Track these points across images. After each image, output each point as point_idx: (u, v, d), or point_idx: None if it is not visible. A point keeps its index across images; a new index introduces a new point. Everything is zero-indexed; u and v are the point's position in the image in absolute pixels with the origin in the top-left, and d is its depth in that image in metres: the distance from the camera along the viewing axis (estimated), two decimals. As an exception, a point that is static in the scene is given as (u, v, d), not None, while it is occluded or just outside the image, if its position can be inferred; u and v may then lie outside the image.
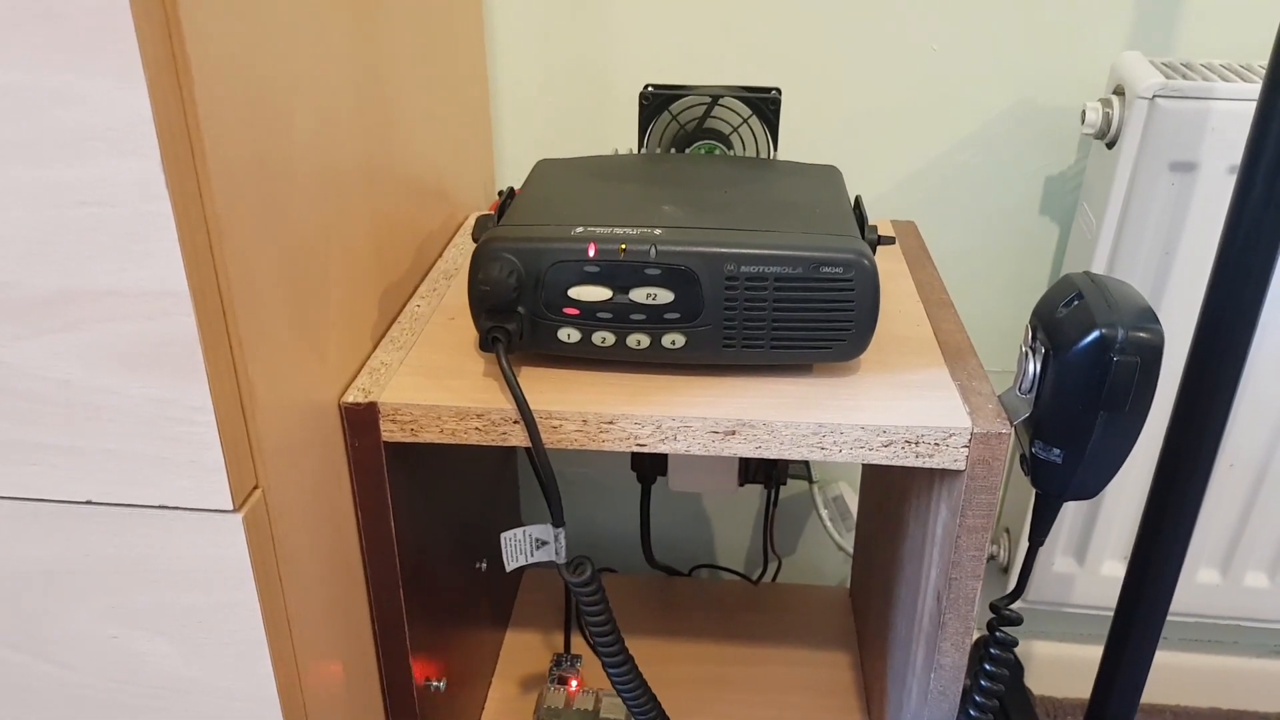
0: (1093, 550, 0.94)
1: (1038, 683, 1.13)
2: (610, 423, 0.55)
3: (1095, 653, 0.81)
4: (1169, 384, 0.70)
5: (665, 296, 0.55)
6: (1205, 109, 0.76)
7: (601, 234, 0.55)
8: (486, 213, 0.60)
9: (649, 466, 0.89)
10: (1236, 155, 0.76)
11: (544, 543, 0.60)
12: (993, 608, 0.62)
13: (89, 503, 0.46)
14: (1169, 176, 0.78)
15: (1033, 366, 0.54)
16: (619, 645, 0.62)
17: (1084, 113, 0.80)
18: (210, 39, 0.40)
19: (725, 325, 0.56)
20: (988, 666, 0.62)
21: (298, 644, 0.51)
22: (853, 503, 1.01)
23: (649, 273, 0.55)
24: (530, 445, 0.55)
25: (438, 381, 0.57)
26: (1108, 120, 0.79)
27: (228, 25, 0.41)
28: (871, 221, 0.87)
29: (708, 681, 0.88)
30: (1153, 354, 0.50)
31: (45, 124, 0.38)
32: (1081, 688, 1.12)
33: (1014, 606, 0.62)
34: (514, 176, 0.93)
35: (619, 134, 0.91)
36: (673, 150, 0.75)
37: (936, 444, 0.54)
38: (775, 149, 0.73)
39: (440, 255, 0.75)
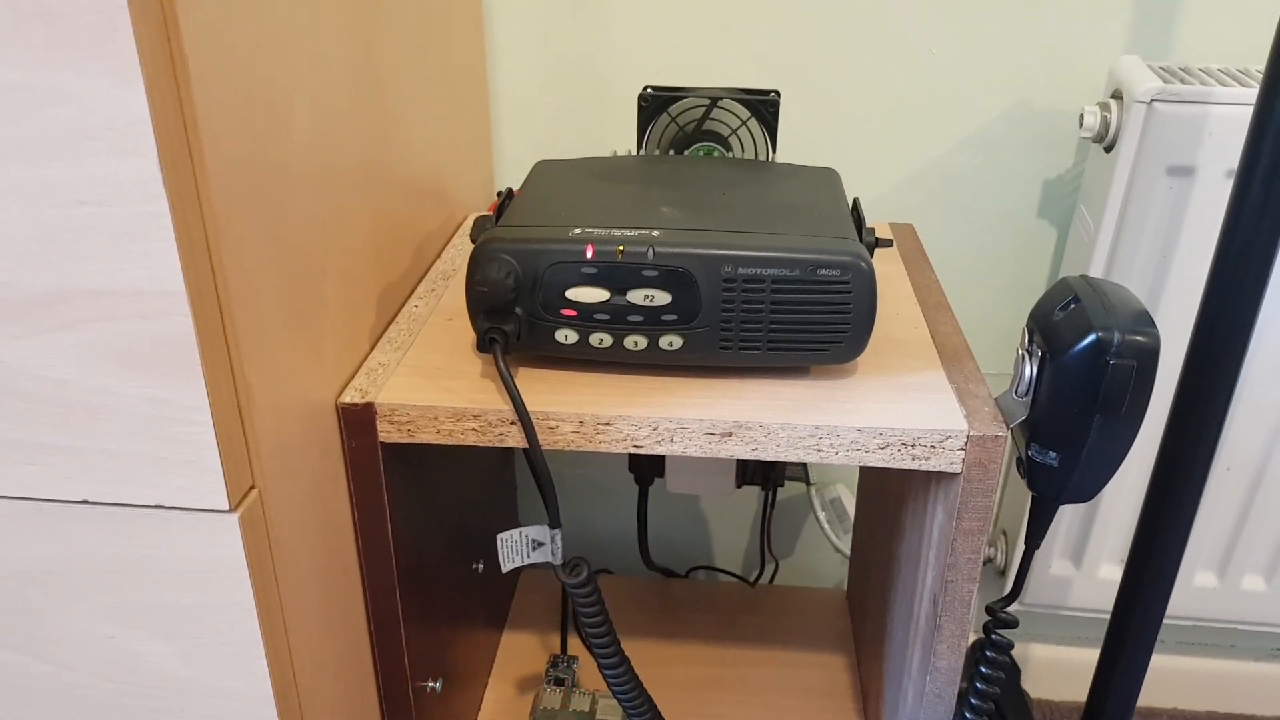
0: (1090, 553, 0.94)
1: (1035, 686, 1.13)
2: (607, 424, 0.55)
3: (1092, 656, 0.81)
4: (1166, 387, 0.70)
5: (663, 298, 0.55)
6: (1203, 113, 0.76)
7: (599, 235, 0.55)
8: (485, 213, 0.60)
9: (647, 468, 0.89)
10: (1234, 159, 0.76)
11: (540, 544, 0.60)
12: (989, 610, 0.62)
13: (86, 502, 0.46)
14: (1166, 180, 0.78)
15: (1029, 369, 0.54)
16: (615, 647, 0.62)
17: (1082, 116, 0.80)
18: (208, 38, 0.40)
19: (722, 327, 0.56)
20: (983, 669, 0.62)
21: (294, 644, 0.51)
22: (850, 505, 1.01)
23: (646, 274, 0.55)
24: (527, 446, 0.55)
25: (435, 382, 0.57)
26: (1106, 124, 0.79)
27: (226, 25, 0.41)
28: (869, 224, 0.87)
29: (704, 683, 0.88)
30: (1148, 357, 0.50)
31: (43, 123, 0.38)
32: (1079, 691, 1.12)
33: (1011, 609, 0.62)
34: (513, 177, 0.94)
35: (618, 135, 0.91)
36: (671, 152, 0.75)
37: (933, 446, 0.54)
38: (774, 151, 0.74)
39: (439, 256, 0.75)
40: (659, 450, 0.55)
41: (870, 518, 0.86)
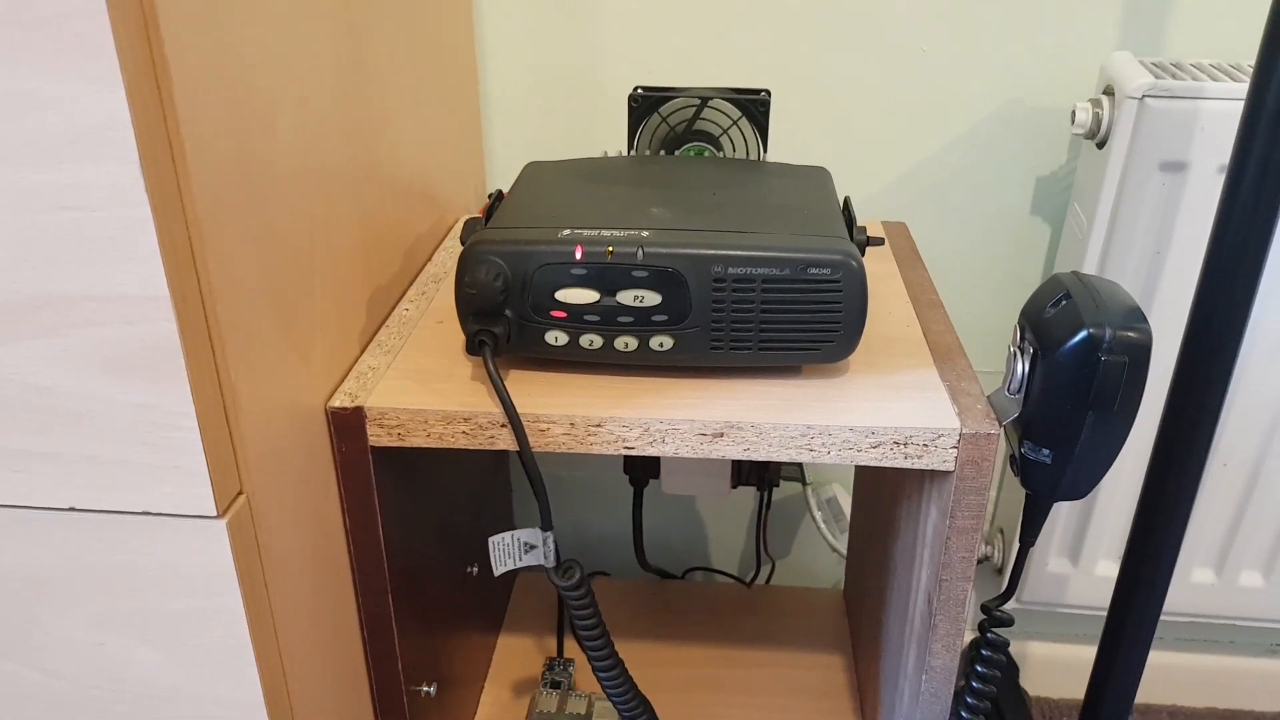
0: (1087, 550, 0.94)
1: (1033, 684, 1.12)
2: (598, 425, 0.55)
3: (1090, 653, 0.81)
4: (1161, 384, 0.70)
5: (653, 299, 0.55)
6: (1195, 109, 0.76)
7: (589, 236, 0.55)
8: (475, 216, 0.60)
9: (642, 469, 0.89)
10: (1226, 154, 0.76)
11: (532, 546, 0.59)
12: (984, 609, 0.62)
13: (73, 509, 0.46)
14: (1159, 176, 0.78)
15: (1021, 366, 0.54)
16: (609, 649, 0.62)
17: (1074, 113, 0.80)
18: (190, 41, 0.40)
19: (713, 327, 0.56)
20: (979, 668, 0.62)
21: (284, 650, 0.51)
22: (846, 504, 1.00)
23: (636, 275, 0.55)
24: (518, 449, 0.54)
25: (425, 385, 0.57)
26: (1098, 120, 0.79)
27: (208, 27, 0.41)
28: (861, 222, 0.86)
29: (701, 684, 0.87)
30: (1141, 353, 0.50)
31: (23, 128, 0.38)
32: (1077, 688, 1.12)
33: (1008, 607, 0.62)
34: (505, 179, 0.93)
35: (609, 136, 0.91)
36: (662, 152, 0.74)
37: (925, 445, 0.54)
38: (765, 151, 0.73)
39: (430, 259, 0.74)
40: (650, 451, 0.55)
41: (866, 517, 0.86)
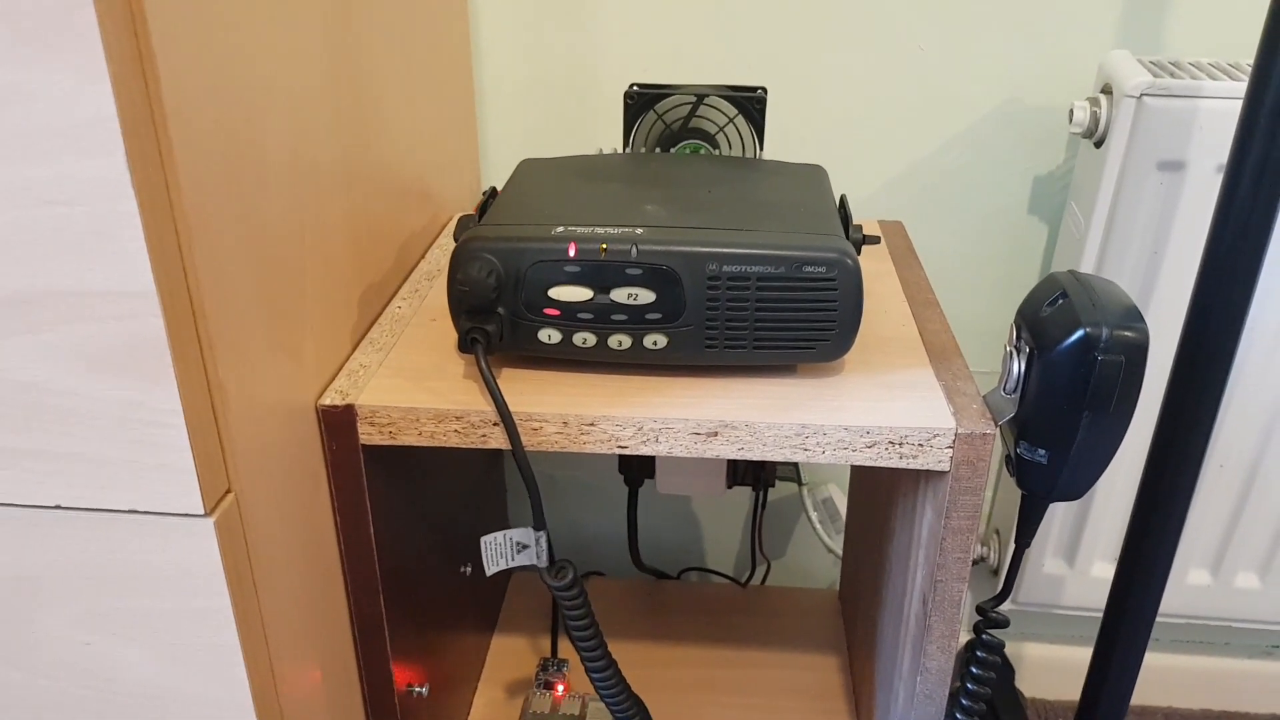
0: (1083, 552, 0.94)
1: (1029, 685, 1.12)
2: (591, 424, 0.54)
3: (1086, 654, 0.80)
4: (1158, 384, 0.69)
5: (647, 296, 0.55)
6: (1193, 107, 0.75)
7: (582, 233, 0.55)
8: (469, 213, 0.59)
9: (637, 469, 0.88)
10: (1224, 154, 0.75)
11: (525, 546, 0.59)
12: (979, 610, 0.61)
13: (59, 507, 0.45)
14: (1157, 175, 0.78)
15: (1017, 366, 0.53)
16: (602, 650, 0.61)
17: (1072, 112, 0.80)
18: (177, 34, 0.39)
19: (708, 325, 0.55)
20: (975, 669, 0.61)
21: (274, 650, 0.51)
22: (842, 505, 1.00)
23: (630, 272, 0.54)
24: (510, 448, 0.54)
25: (417, 383, 0.57)
26: (1095, 119, 0.79)
27: (196, 19, 0.41)
28: (858, 221, 0.86)
29: (696, 685, 0.87)
30: (1137, 353, 0.50)
31: (7, 122, 0.37)
32: (1073, 689, 1.11)
33: (1004, 609, 0.61)
34: (500, 177, 0.93)
35: (605, 133, 0.90)
36: (658, 150, 0.74)
37: (920, 445, 0.53)
38: (761, 148, 0.73)
39: (423, 256, 0.74)
40: (644, 451, 0.55)
41: (861, 517, 0.85)
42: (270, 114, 0.48)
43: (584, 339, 0.56)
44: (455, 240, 0.56)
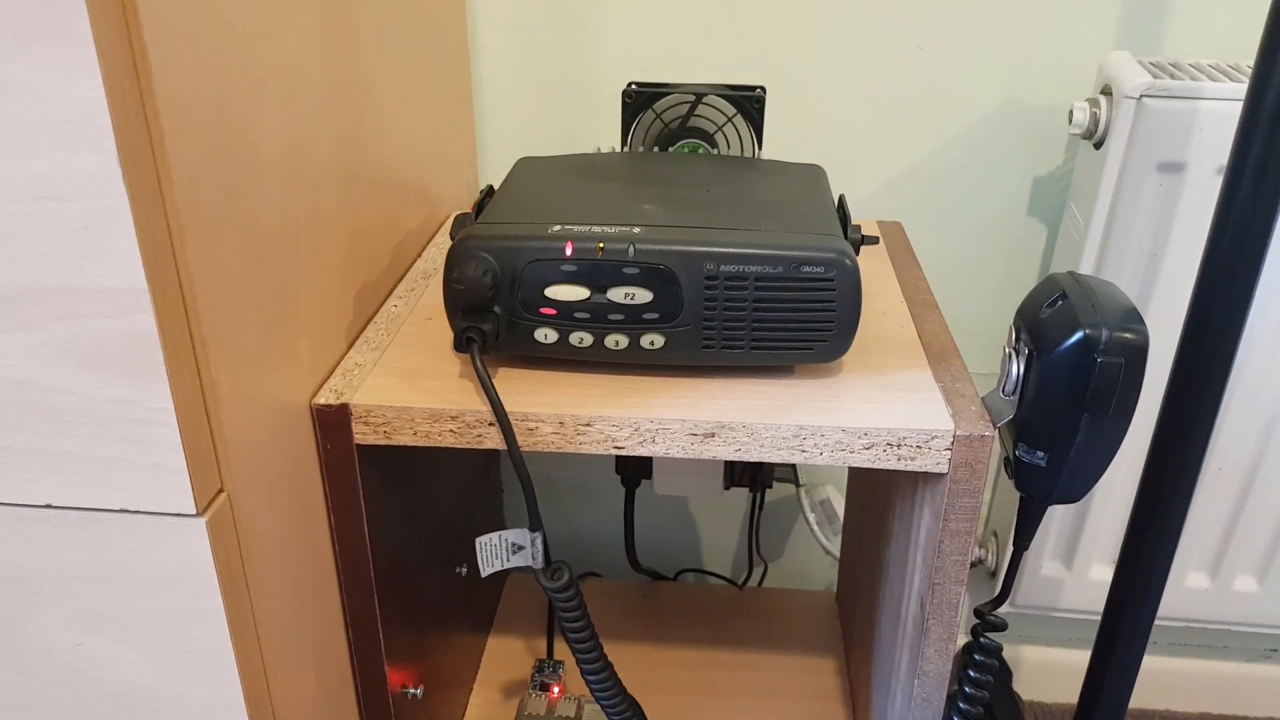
0: (1081, 554, 0.93)
1: (1026, 688, 1.12)
2: (588, 425, 0.54)
3: (1084, 657, 0.80)
4: (1157, 386, 0.69)
5: (644, 296, 0.54)
6: (1193, 109, 0.75)
7: (579, 232, 0.54)
8: (465, 211, 0.59)
9: (634, 469, 0.88)
10: (1224, 155, 0.75)
11: (521, 547, 0.59)
12: (977, 613, 0.61)
13: (49, 506, 0.45)
14: (1157, 177, 0.78)
15: (1016, 368, 0.53)
16: (597, 652, 0.61)
17: (1071, 113, 0.79)
18: (170, 27, 0.39)
19: (705, 326, 0.55)
20: (972, 673, 0.61)
21: (266, 651, 0.50)
22: (839, 506, 1.00)
23: (627, 272, 0.54)
24: (506, 448, 0.54)
25: (412, 383, 0.56)
26: (1095, 120, 0.78)
27: (189, 12, 0.40)
28: (856, 221, 0.86)
29: (692, 687, 0.87)
30: (1137, 355, 0.49)
31: (-3, 116, 0.37)
32: (1070, 692, 1.11)
33: (1002, 611, 0.61)
34: (498, 175, 0.92)
35: (603, 132, 0.90)
36: (656, 149, 0.74)
37: (919, 446, 0.53)
38: (760, 148, 0.73)
39: (420, 254, 0.74)
40: (640, 451, 0.54)
41: (859, 519, 0.85)
42: (265, 109, 0.47)
43: (581, 338, 0.56)
44: (452, 238, 0.56)
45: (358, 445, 0.55)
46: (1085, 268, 0.82)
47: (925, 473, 0.57)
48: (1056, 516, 0.93)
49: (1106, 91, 0.78)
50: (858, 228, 0.59)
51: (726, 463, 0.81)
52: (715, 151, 0.73)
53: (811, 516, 1.00)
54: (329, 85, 0.55)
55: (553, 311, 0.55)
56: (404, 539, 0.65)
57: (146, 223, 0.39)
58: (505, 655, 0.90)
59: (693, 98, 0.72)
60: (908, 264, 0.73)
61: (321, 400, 0.54)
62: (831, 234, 0.55)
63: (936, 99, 0.87)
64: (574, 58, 0.88)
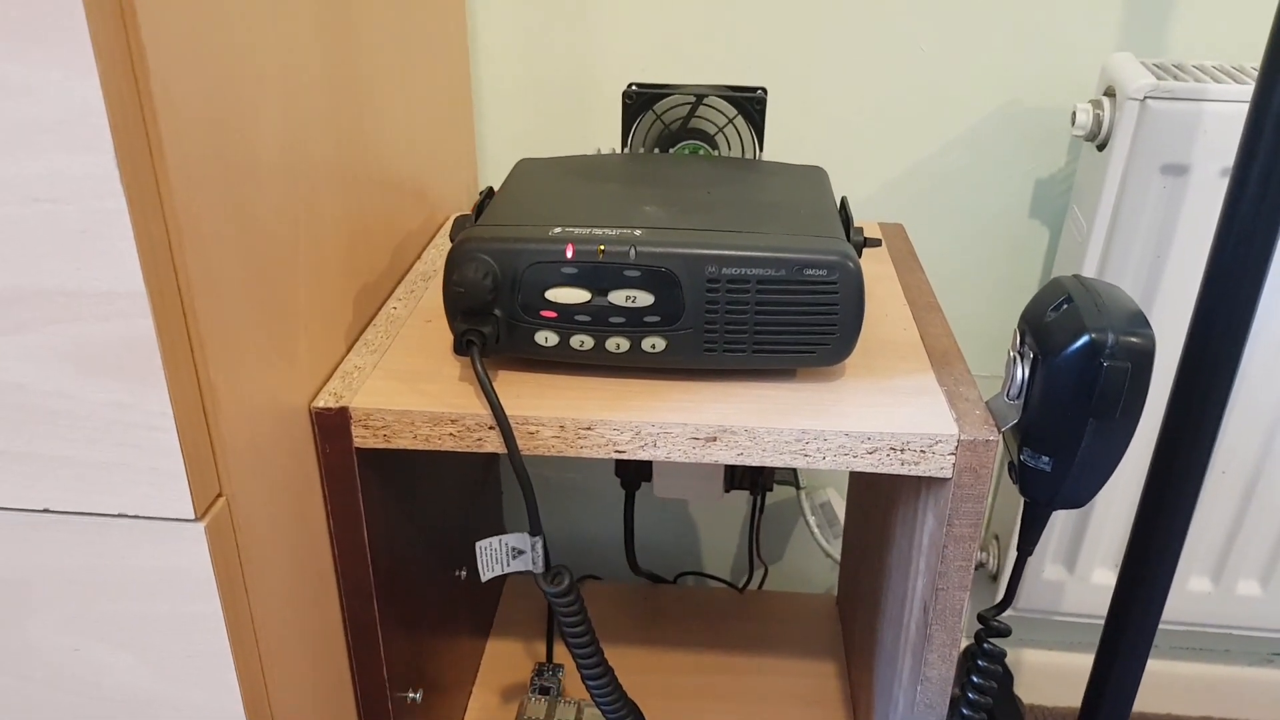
0: (1083, 558, 0.93)
1: (1028, 692, 1.11)
2: (588, 428, 0.53)
3: (1086, 661, 0.80)
4: (1161, 390, 0.69)
5: (645, 299, 0.54)
6: (1197, 111, 0.75)
7: (580, 235, 0.54)
8: (465, 213, 0.59)
9: (633, 472, 0.87)
10: (1229, 158, 0.75)
11: (521, 551, 0.58)
12: (980, 619, 0.60)
13: (47, 511, 0.44)
14: (1160, 179, 0.77)
15: (1021, 372, 0.53)
16: (598, 656, 0.60)
17: (1074, 114, 0.79)
18: (168, 27, 0.38)
19: (706, 329, 0.54)
20: (975, 679, 0.61)
21: (265, 655, 0.50)
22: (840, 510, 0.99)
23: (628, 274, 0.53)
24: (506, 452, 0.53)
25: (412, 386, 0.56)
26: (1098, 122, 0.78)
27: (187, 13, 0.40)
28: (858, 223, 0.85)
29: (692, 691, 0.86)
30: (1143, 359, 0.49)
31: (-7, 117, 0.36)
32: (1072, 697, 1.11)
33: (1004, 616, 0.60)
34: (498, 177, 0.92)
35: (603, 133, 0.90)
36: (657, 150, 0.73)
37: (922, 451, 0.52)
38: (761, 149, 0.72)
39: (419, 256, 0.73)
40: (641, 455, 0.54)
41: (861, 523, 0.85)
42: (263, 110, 0.47)
43: (581, 341, 0.55)
44: (451, 241, 0.56)
45: (357, 449, 0.55)
46: (1088, 270, 0.81)
47: (929, 478, 0.56)
48: (1059, 520, 0.92)
49: (1110, 93, 0.78)
50: (860, 230, 0.58)
51: (727, 465, 0.80)
52: (716, 153, 0.73)
53: (812, 519, 0.99)
54: (328, 86, 0.55)
55: (553, 314, 0.55)
56: (403, 542, 0.64)
57: (144, 225, 0.38)
58: (504, 659, 0.90)
59: (693, 99, 0.72)
60: (910, 266, 0.73)
61: (321, 403, 0.54)
62: (834, 236, 0.55)
63: (938, 100, 0.86)
64: (574, 59, 0.87)
